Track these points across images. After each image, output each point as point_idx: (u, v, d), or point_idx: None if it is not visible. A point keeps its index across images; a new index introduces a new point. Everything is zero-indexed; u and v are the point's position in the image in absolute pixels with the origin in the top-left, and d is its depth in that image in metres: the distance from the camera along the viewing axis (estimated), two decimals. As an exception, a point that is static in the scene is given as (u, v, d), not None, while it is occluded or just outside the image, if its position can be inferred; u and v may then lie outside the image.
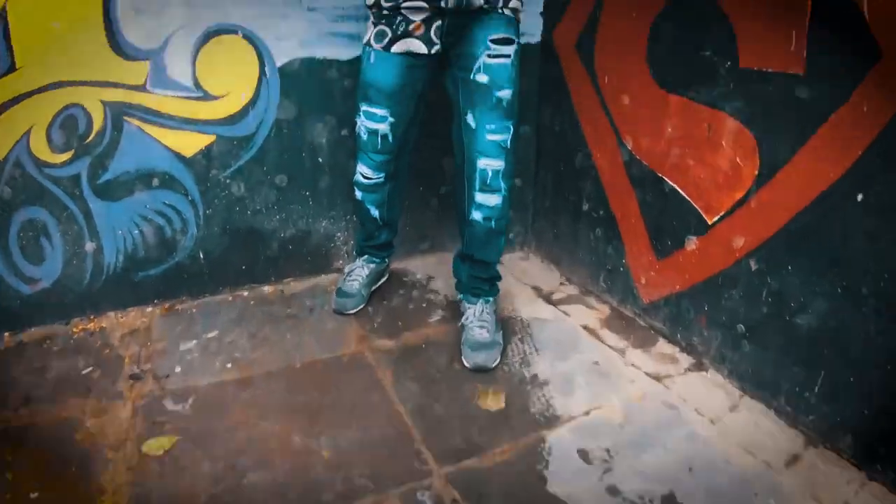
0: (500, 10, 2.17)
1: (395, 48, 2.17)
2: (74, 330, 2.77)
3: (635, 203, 2.78)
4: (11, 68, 2.48)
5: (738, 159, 2.24)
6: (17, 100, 2.55)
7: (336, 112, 2.92)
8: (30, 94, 2.57)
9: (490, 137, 2.27)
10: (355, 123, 2.42)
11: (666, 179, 2.56)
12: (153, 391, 2.36)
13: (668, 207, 2.58)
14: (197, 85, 2.76)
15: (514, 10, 2.28)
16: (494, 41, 2.18)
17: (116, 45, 2.61)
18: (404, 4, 2.09)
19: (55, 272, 2.75)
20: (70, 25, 2.59)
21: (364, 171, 2.48)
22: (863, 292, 1.86)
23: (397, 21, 2.14)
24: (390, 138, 2.35)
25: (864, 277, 1.86)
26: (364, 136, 2.38)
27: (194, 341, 2.67)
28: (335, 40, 2.85)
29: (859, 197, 1.85)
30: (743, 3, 2.17)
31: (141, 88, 2.67)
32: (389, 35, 2.18)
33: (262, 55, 2.84)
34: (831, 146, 1.89)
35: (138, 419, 2.19)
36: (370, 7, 2.21)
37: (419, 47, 2.16)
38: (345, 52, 3.03)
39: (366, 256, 2.75)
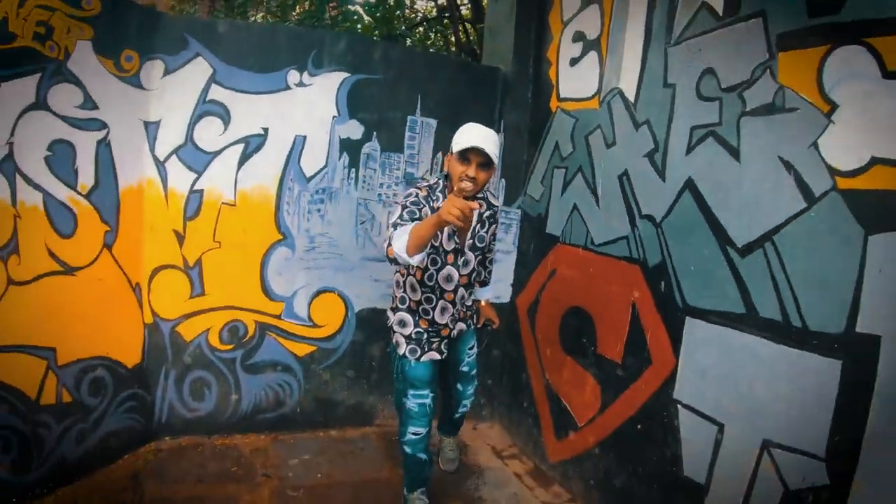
0: (472, 328, 3.24)
1: (423, 358, 2.97)
2: (217, 443, 3.73)
3: (548, 408, 3.85)
4: (202, 293, 3.83)
5: (592, 395, 3.39)
6: (203, 311, 3.83)
7: (386, 339, 3.64)
8: (212, 310, 3.84)
9: (469, 392, 3.41)
10: (403, 403, 3.05)
11: (562, 399, 3.69)
12: (278, 485, 3.36)
13: (563, 413, 3.63)
14: (310, 318, 4.10)
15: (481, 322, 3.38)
16: (469, 348, 3.29)
17: (266, 290, 3.93)
18: (431, 339, 2.98)
19: (209, 407, 3.83)
20: (239, 275, 3.80)
21: (415, 430, 3.02)
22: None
23: (423, 344, 2.99)
24: (432, 405, 3.04)
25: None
26: (416, 409, 3.00)
27: (296, 459, 3.66)
28: (388, 299, 3.44)
29: (638, 426, 2.99)
30: (602, 316, 3.58)
31: (278, 317, 4.01)
32: (419, 352, 2.97)
33: (347, 304, 4.17)
34: (632, 397, 3.05)
35: (273, 498, 3.21)
36: (405, 336, 2.98)
37: (436, 356, 3.01)
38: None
39: (420, 490, 3.23)
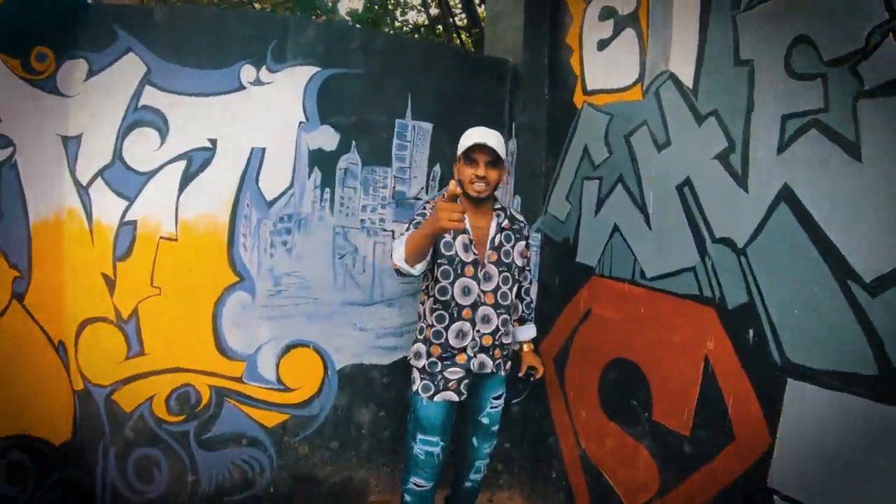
0: (500, 374, 3.00)
1: (437, 398, 2.85)
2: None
3: (584, 484, 3.35)
4: (141, 352, 3.27)
5: (647, 473, 2.87)
6: (144, 375, 3.29)
7: (376, 400, 3.63)
8: (154, 373, 3.31)
9: (485, 451, 3.14)
10: (410, 447, 2.92)
11: (604, 474, 3.15)
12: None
13: (606, 493, 3.16)
14: (278, 380, 3.49)
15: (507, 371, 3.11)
16: (495, 397, 3.04)
17: (221, 347, 3.38)
18: (447, 371, 2.85)
19: (161, 489, 3.35)
20: (185, 329, 3.31)
21: (418, 482, 2.93)
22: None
23: (438, 380, 2.85)
24: (441, 456, 2.91)
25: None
26: (422, 457, 2.89)
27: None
28: (379, 351, 3.57)
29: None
30: (659, 373, 2.86)
31: (238, 380, 3.42)
32: (433, 389, 2.85)
33: (326, 361, 3.59)
34: (704, 481, 2.57)
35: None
36: (418, 369, 2.91)
37: (454, 397, 2.86)
38: (385, 359, 3.77)
39: None
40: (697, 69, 2.68)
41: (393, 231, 3.54)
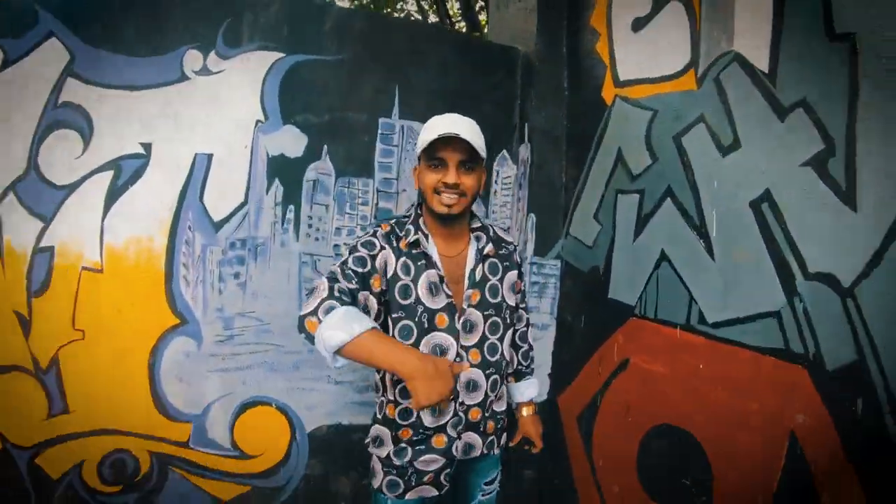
0: (495, 452, 2.37)
1: (409, 496, 2.21)
2: None
3: None
4: (65, 409, 2.83)
5: None
6: (70, 436, 2.88)
7: (358, 467, 3.17)
8: (82, 435, 2.89)
9: None
10: None
11: None
12: None
13: None
14: (234, 445, 3.08)
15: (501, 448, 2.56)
16: (487, 482, 2.53)
17: (160, 406, 2.96)
18: (419, 460, 2.18)
19: None
20: (116, 382, 2.95)
21: None
22: None
23: (409, 473, 2.19)
24: None
25: None
26: None
27: None
28: (359, 408, 3.14)
29: None
30: (724, 447, 2.51)
31: (184, 445, 3.01)
32: (402, 486, 2.20)
33: (292, 421, 3.18)
34: None
35: None
36: (381, 459, 2.24)
37: (431, 492, 2.24)
38: (369, 417, 3.29)
39: None
40: (774, 48, 2.29)
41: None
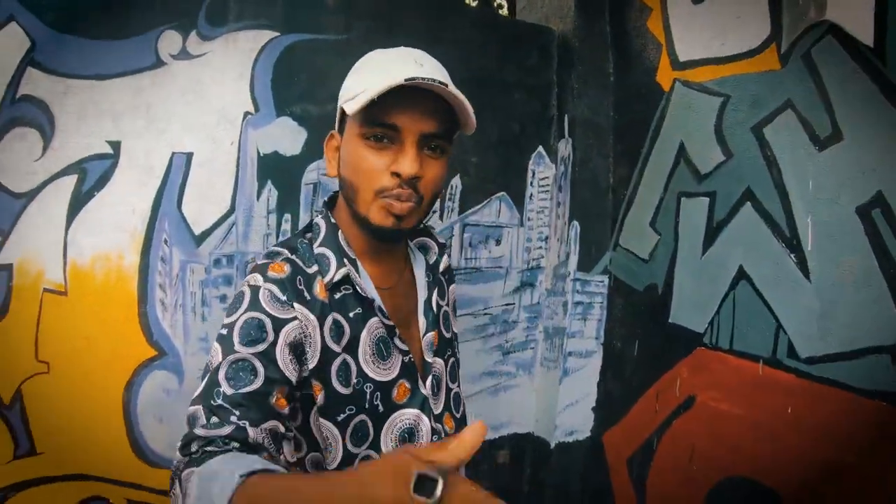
0: None
1: None
2: None
3: None
4: (31, 450, 2.61)
5: None
6: (39, 480, 2.64)
7: None
8: (53, 480, 2.66)
9: None
10: None
11: None
12: None
13: None
14: None
15: None
16: None
17: (138, 450, 2.72)
18: None
19: None
20: (88, 421, 2.72)
21: None
22: None
23: None
24: None
25: None
26: None
27: None
28: None
29: None
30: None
31: (166, 494, 2.71)
32: None
33: None
34: None
35: None
36: None
37: None
38: None
39: None
40: (881, 15, 2.00)
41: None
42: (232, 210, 2.77)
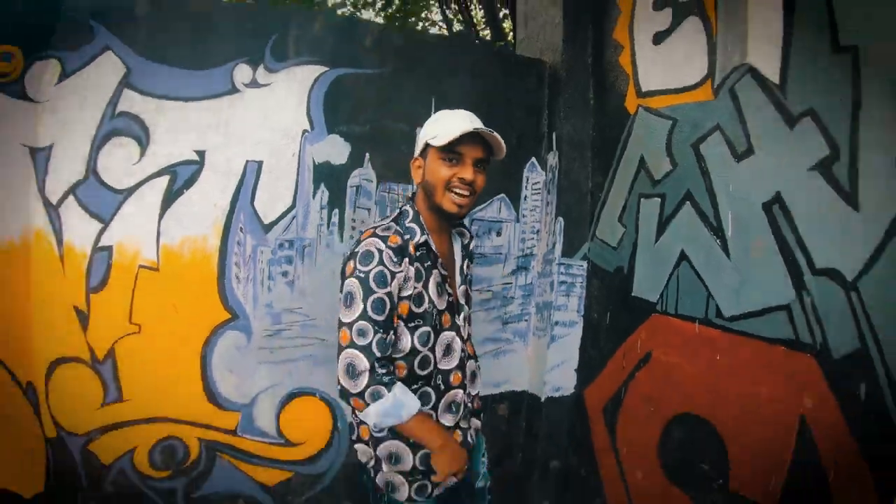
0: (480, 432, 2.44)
1: (437, 491, 2.17)
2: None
3: None
4: (119, 398, 2.92)
5: None
6: (123, 424, 3.01)
7: None
8: (135, 423, 3.03)
9: None
10: None
11: None
12: None
13: None
14: (279, 433, 3.21)
15: None
16: (483, 456, 2.52)
17: (211, 396, 3.07)
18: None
19: None
20: (170, 373, 3.08)
21: None
22: None
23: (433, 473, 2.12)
24: None
25: None
26: None
27: None
28: None
29: None
30: (739, 433, 2.60)
31: (232, 433, 3.15)
32: (430, 487, 2.15)
33: (334, 411, 3.28)
34: None
35: None
36: (405, 474, 2.16)
37: (454, 481, 2.19)
38: None
39: None
40: (784, 60, 2.43)
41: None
42: (293, 206, 3.17)
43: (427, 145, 2.06)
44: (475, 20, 10.26)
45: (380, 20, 8.81)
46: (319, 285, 3.22)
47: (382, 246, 1.95)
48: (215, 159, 3.02)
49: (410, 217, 2.12)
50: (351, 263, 2.03)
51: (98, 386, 2.96)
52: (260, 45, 3.05)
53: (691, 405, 2.84)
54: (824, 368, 2.26)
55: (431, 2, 10.00)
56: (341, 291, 2.03)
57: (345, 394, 1.95)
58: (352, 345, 1.93)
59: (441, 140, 1.99)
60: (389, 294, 1.95)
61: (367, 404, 1.91)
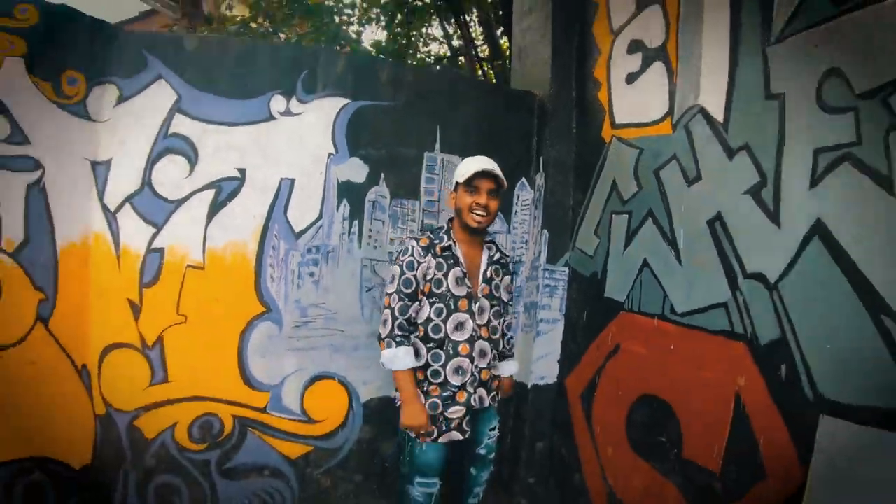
0: (494, 406, 3.06)
1: (441, 439, 2.83)
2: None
3: None
4: (165, 379, 3.21)
5: None
6: (167, 402, 3.25)
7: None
8: (178, 401, 3.26)
9: (483, 478, 3.16)
10: (406, 491, 2.93)
11: None
12: None
13: None
14: (303, 411, 3.45)
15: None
16: (491, 429, 3.10)
17: (245, 377, 3.34)
18: (448, 412, 2.84)
19: None
20: (210, 357, 3.30)
21: None
22: None
23: (440, 422, 2.83)
24: (439, 497, 2.96)
25: None
26: (421, 499, 2.91)
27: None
28: None
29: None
30: (689, 409, 2.87)
31: (262, 410, 3.37)
32: (435, 431, 2.82)
33: (350, 393, 3.57)
34: None
35: None
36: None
37: (457, 436, 2.85)
38: None
39: None
40: (728, 103, 2.71)
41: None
42: (320, 217, 3.47)
43: (457, 182, 2.82)
44: (474, 36, 10.35)
45: (383, 35, 8.99)
46: (341, 284, 3.52)
47: (415, 244, 2.83)
48: (254, 176, 3.32)
49: (445, 230, 2.89)
50: (396, 255, 2.90)
51: (146, 369, 3.24)
52: (293, 79, 3.37)
53: (651, 388, 3.09)
54: (754, 354, 2.52)
55: (433, 18, 10.13)
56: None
57: (378, 336, 2.81)
58: (388, 307, 2.80)
59: (463, 177, 2.77)
60: (415, 276, 2.80)
61: (387, 347, 2.75)
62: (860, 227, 2.14)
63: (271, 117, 3.37)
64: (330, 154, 3.48)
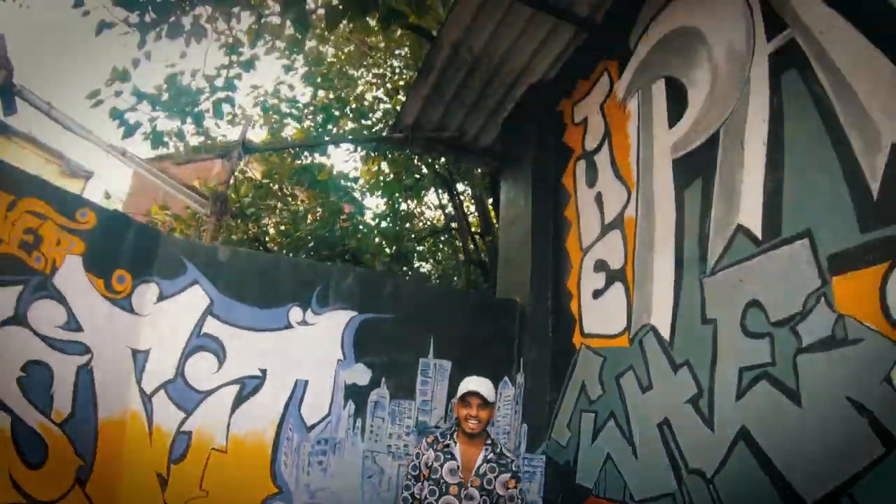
0: None
1: None
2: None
3: None
4: None
5: None
6: None
7: None
8: None
9: None
10: None
11: None
12: None
13: None
14: None
15: None
16: None
17: None
18: None
19: None
20: None
21: None
22: None
23: None
24: None
25: None
26: None
27: None
28: None
29: None
30: None
31: None
32: None
33: None
34: None
35: None
36: None
37: None
38: None
39: None
40: (673, 324, 3.19)
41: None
42: (329, 414, 3.84)
43: (458, 397, 3.15)
44: (466, 212, 10.67)
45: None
46: (345, 472, 3.80)
47: (423, 441, 3.21)
48: (274, 376, 3.72)
49: (451, 430, 3.20)
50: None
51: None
52: (308, 293, 3.88)
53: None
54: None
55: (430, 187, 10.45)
56: None
57: None
58: (404, 487, 3.17)
59: (459, 394, 3.16)
60: (419, 464, 3.14)
61: None
62: (777, 433, 2.49)
63: (290, 325, 3.81)
64: (339, 360, 3.88)
